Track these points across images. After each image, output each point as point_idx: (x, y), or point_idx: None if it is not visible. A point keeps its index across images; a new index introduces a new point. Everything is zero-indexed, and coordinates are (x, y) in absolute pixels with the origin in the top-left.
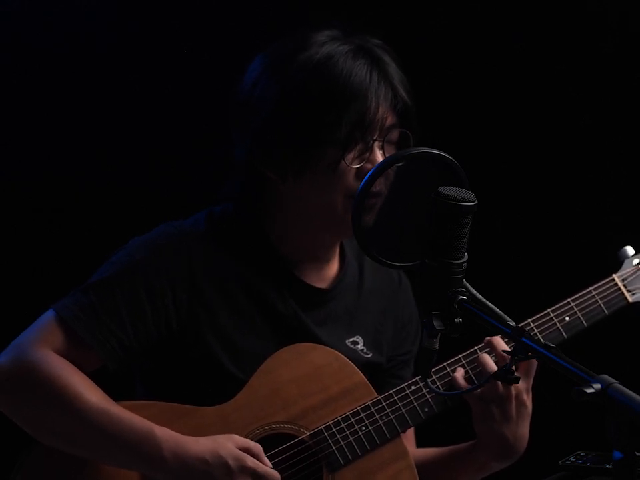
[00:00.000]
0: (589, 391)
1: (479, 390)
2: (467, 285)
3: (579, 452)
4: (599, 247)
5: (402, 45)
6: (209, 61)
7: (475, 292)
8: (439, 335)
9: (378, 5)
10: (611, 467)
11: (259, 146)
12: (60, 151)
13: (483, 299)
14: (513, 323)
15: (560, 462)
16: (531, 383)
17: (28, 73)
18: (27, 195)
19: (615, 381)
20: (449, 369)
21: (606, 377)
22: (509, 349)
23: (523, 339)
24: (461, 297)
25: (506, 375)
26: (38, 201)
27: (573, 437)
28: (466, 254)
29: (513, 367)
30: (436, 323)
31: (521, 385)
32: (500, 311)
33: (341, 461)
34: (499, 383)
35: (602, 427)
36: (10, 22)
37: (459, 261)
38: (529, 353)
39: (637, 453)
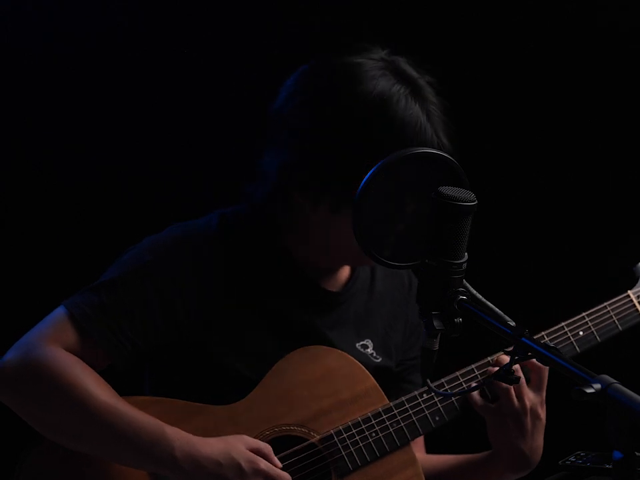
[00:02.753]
0: (589, 390)
1: (493, 405)
2: (467, 284)
3: (579, 452)
4: (615, 262)
5: (401, 44)
6: (211, 62)
7: (475, 292)
8: (439, 335)
9: (384, 8)
10: (611, 466)
11: (299, 172)
12: (56, 155)
13: (483, 299)
14: (513, 323)
15: (560, 462)
16: (544, 395)
17: (28, 74)
18: (38, 192)
19: (615, 381)
20: (461, 379)
21: (606, 377)
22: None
23: (523, 339)
24: (461, 297)
25: (506, 375)
26: (50, 199)
27: (573, 437)
28: (466, 254)
29: (513, 368)
30: (436, 323)
31: (535, 398)
32: (500, 311)
33: (349, 466)
34: (515, 398)
35: (602, 426)
36: (8, 22)
37: (458, 261)
38: (529, 353)
39: (637, 453)
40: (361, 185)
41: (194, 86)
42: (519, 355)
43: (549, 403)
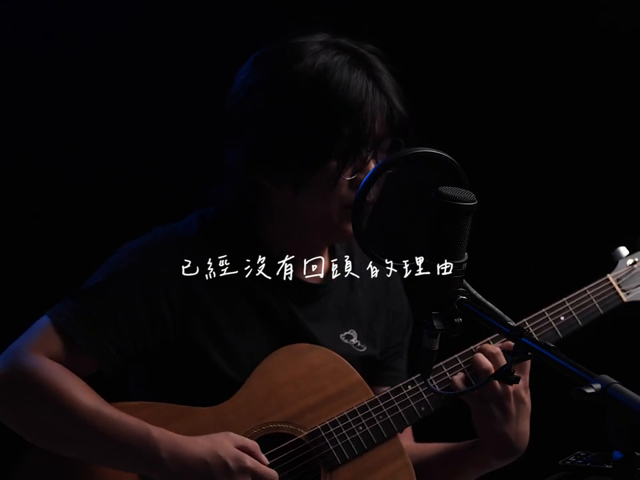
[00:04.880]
0: (589, 390)
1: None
2: (467, 284)
3: (579, 452)
4: (593, 247)
5: (401, 44)
6: (211, 62)
7: (475, 292)
8: (439, 335)
9: (376, 6)
10: (611, 466)
11: (257, 157)
12: (56, 155)
13: (483, 299)
14: (512, 323)
15: (560, 462)
16: (528, 379)
17: (28, 74)
18: (24, 198)
19: (615, 381)
20: (445, 369)
21: (606, 377)
22: (498, 349)
23: (523, 339)
24: (460, 297)
25: (506, 375)
26: (34, 205)
27: (573, 437)
28: (466, 254)
29: (513, 367)
30: (436, 323)
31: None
32: (500, 311)
33: (338, 460)
34: (497, 383)
35: (602, 426)
36: (8, 22)
37: (458, 261)
38: (529, 353)
39: (637, 453)
40: (361, 184)
41: (194, 86)
42: (519, 355)
43: (550, 402)
